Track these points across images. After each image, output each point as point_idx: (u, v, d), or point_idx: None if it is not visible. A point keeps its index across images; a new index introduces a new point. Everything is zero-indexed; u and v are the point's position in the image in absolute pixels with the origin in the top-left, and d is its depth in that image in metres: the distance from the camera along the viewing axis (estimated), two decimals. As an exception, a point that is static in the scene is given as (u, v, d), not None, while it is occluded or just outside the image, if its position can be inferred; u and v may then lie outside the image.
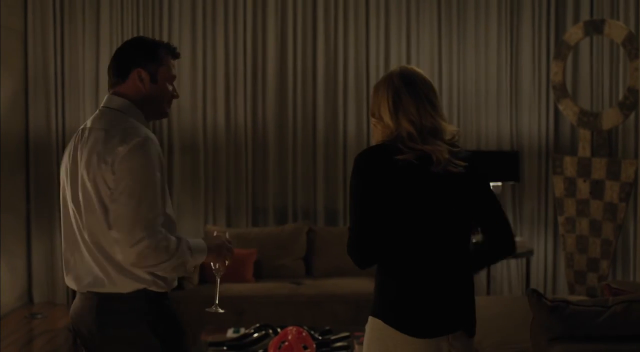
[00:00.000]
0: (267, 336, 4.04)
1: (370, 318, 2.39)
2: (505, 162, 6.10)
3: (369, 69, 6.62)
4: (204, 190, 6.60)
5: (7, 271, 6.29)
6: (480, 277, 6.64)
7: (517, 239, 6.07)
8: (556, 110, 6.56)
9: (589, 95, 6.53)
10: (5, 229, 6.25)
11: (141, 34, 6.51)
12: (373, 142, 2.44)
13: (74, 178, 2.36)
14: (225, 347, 3.98)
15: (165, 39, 6.51)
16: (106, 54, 6.54)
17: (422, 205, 2.31)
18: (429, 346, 2.30)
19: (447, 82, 6.63)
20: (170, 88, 2.46)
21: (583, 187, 5.60)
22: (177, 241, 2.27)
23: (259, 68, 6.61)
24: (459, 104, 6.64)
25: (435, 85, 6.50)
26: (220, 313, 2.58)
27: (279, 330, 4.02)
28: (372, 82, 6.60)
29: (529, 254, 5.97)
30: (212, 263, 2.47)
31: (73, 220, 2.39)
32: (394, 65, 6.58)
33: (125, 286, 2.31)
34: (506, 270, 6.67)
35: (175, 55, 2.49)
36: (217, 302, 2.56)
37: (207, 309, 2.57)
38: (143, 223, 2.22)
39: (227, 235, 2.53)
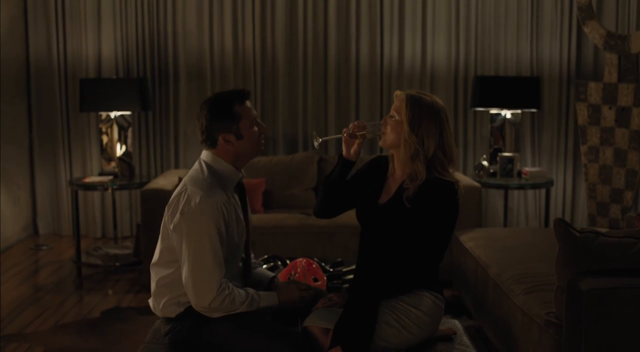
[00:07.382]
0: (275, 267, 3.90)
1: None
2: (524, 88, 5.79)
3: (383, -10, 6.30)
4: (211, 118, 6.36)
5: (11, 202, 6.15)
6: (497, 208, 6.45)
7: (536, 169, 5.82)
8: (579, 34, 6.23)
9: (614, 17, 6.19)
10: (8, 159, 6.08)
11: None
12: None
13: None
14: (232, 280, 3.84)
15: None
16: (107, -25, 6.26)
17: None
18: None
19: (465, 3, 6.29)
20: (256, 129, 2.60)
21: (608, 115, 5.34)
22: (244, 295, 2.56)
23: (267, -10, 6.31)
24: (476, 27, 6.31)
25: (452, 5, 6.24)
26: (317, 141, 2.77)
27: (288, 262, 3.88)
28: (386, 4, 6.28)
29: (548, 184, 5.73)
30: None
31: None
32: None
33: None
34: (523, 201, 6.46)
35: (247, 96, 2.59)
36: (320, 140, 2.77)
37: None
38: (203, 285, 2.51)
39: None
